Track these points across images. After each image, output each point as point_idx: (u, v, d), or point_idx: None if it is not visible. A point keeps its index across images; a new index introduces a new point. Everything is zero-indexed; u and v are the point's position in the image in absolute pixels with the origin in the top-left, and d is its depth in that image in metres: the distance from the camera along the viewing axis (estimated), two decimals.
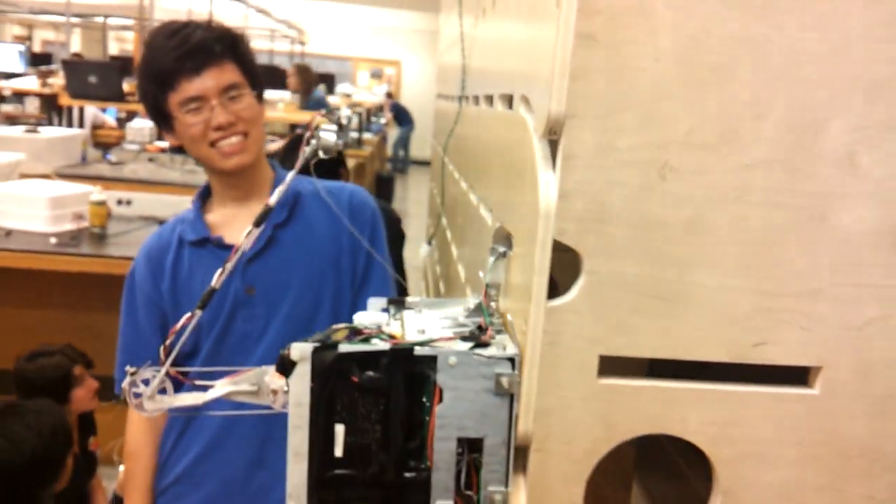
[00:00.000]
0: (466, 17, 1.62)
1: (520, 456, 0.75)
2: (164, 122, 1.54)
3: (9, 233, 3.25)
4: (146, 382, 0.83)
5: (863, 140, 0.70)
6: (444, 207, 2.07)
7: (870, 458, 0.77)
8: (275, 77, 7.97)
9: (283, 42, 12.71)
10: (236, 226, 1.58)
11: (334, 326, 0.79)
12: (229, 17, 9.33)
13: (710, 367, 0.76)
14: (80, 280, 3.19)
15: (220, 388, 0.83)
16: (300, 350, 0.73)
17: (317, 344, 0.73)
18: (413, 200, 10.38)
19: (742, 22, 0.67)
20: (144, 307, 1.61)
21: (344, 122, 1.21)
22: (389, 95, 14.08)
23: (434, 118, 3.20)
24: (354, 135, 8.54)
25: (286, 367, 0.73)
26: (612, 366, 0.75)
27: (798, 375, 0.77)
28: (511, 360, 0.73)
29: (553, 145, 0.71)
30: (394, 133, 13.64)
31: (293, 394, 0.73)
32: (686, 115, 0.68)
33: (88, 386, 2.65)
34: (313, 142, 0.89)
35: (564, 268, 0.73)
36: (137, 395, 0.83)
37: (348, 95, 10.61)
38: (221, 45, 1.50)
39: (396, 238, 2.77)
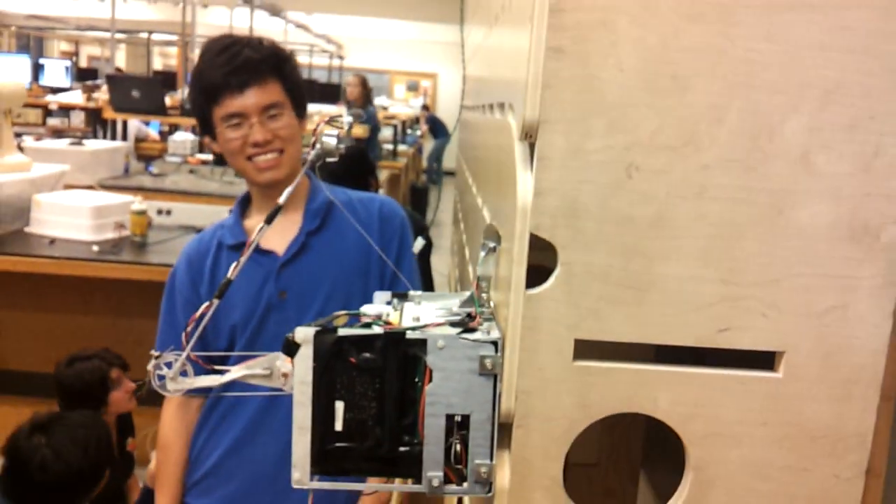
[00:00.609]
0: (482, 28, 1.69)
1: (504, 432, 0.81)
2: (209, 131, 1.64)
3: (53, 241, 3.38)
4: (169, 366, 0.91)
5: (816, 141, 0.75)
6: (462, 212, 2.14)
7: (833, 438, 0.81)
8: (312, 90, 8.11)
9: (321, 56, 12.92)
10: (272, 232, 1.68)
11: (336, 313, 0.87)
12: (269, 32, 9.51)
13: (705, 355, 0.82)
14: (120, 287, 3.32)
15: (236, 371, 0.91)
16: (303, 333, 0.80)
17: (318, 328, 0.81)
18: (448, 211, 10.47)
19: (700, 34, 0.73)
20: (183, 309, 1.69)
21: (345, 128, 1.31)
22: (426, 108, 14.22)
23: (459, 129, 3.28)
24: (389, 147, 8.66)
25: (291, 349, 0.80)
26: (610, 351, 0.80)
27: (770, 361, 0.82)
28: (494, 343, 0.79)
29: (532, 148, 0.78)
30: (429, 145, 13.76)
31: (297, 373, 0.80)
32: (649, 119, 0.74)
33: (126, 388, 2.74)
34: (318, 146, 0.97)
35: None
36: (161, 378, 0.91)
37: (385, 108, 10.71)
38: (267, 64, 1.58)
39: (423, 245, 2.84)
